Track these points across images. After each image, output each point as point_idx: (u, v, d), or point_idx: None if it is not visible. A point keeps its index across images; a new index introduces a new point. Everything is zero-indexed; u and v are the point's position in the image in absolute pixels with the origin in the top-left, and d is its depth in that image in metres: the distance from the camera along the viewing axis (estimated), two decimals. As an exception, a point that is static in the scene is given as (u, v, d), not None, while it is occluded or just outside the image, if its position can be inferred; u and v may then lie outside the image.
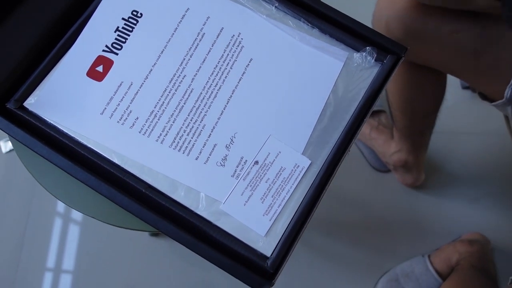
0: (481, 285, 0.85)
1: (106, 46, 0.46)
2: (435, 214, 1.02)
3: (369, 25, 0.54)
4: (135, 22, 0.47)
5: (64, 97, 0.44)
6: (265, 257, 0.40)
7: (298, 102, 0.45)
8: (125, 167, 0.42)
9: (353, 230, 1.01)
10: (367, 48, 0.46)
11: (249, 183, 0.42)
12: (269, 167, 0.43)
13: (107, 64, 0.45)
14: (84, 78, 0.45)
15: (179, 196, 0.42)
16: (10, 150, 1.03)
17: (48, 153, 0.41)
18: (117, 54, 0.45)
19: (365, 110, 0.44)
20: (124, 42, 0.46)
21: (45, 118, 0.44)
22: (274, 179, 0.42)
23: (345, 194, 1.03)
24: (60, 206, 1.02)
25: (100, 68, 0.45)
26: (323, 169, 0.43)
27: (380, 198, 1.03)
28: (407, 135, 0.88)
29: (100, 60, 0.45)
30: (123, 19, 0.47)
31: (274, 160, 0.43)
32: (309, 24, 0.48)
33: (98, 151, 0.43)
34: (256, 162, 0.43)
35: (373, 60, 0.46)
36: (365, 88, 0.45)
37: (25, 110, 0.44)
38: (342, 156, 0.43)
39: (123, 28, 0.46)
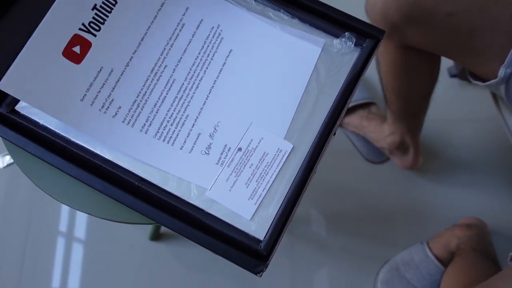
0: (484, 267, 0.86)
1: (83, 25, 0.43)
2: (431, 201, 1.03)
3: (358, 12, 0.55)
4: (113, 1, 0.45)
5: (38, 77, 0.41)
6: (258, 240, 0.41)
7: (279, 89, 0.46)
8: (117, 162, 0.43)
9: (351, 222, 1.01)
10: (346, 33, 0.48)
11: (233, 169, 0.43)
12: (252, 153, 0.44)
13: (85, 45, 0.43)
14: (59, 57, 0.42)
15: (171, 187, 0.43)
16: (8, 165, 1.04)
17: (41, 152, 0.43)
18: (95, 35, 0.44)
19: (347, 92, 0.46)
20: (102, 23, 0.44)
21: (37, 120, 0.45)
22: (257, 164, 0.43)
23: (341, 187, 1.04)
24: (63, 221, 1.02)
25: (77, 49, 0.43)
26: (310, 152, 0.44)
27: (375, 190, 1.04)
28: (401, 118, 0.88)
29: (77, 39, 0.43)
30: None
31: (257, 146, 0.44)
32: (289, 15, 0.49)
33: (90, 148, 0.44)
34: (240, 149, 0.44)
35: (352, 45, 0.48)
36: (346, 72, 0.47)
37: (17, 113, 0.45)
38: (328, 139, 0.44)
39: (101, 6, 0.44)
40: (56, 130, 0.44)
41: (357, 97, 1.05)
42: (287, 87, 0.46)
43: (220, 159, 0.44)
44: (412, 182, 1.05)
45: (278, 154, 0.44)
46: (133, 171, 0.43)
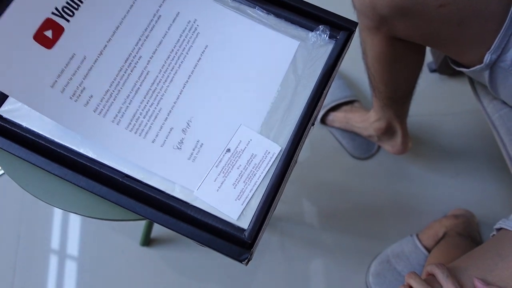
0: (468, 248, 0.87)
1: (56, 9, 0.42)
2: (419, 194, 1.05)
3: (335, 4, 0.55)
4: None
5: (6, 60, 0.40)
6: (242, 229, 0.42)
7: (255, 83, 0.47)
8: (101, 160, 0.44)
9: (342, 219, 1.03)
10: (320, 26, 0.49)
11: (221, 170, 0.44)
12: (240, 155, 0.44)
13: (57, 30, 0.42)
14: (30, 41, 0.41)
15: (156, 182, 0.44)
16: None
17: (25, 154, 0.43)
18: (68, 21, 0.43)
19: (324, 83, 0.47)
20: (76, 9, 0.43)
21: (19, 123, 0.45)
22: (245, 166, 0.44)
23: (329, 185, 1.06)
24: (55, 232, 1.02)
25: (49, 34, 0.41)
26: (290, 142, 0.45)
27: (363, 185, 1.06)
28: (389, 105, 0.89)
29: (48, 23, 0.41)
30: None
31: (245, 147, 0.45)
32: (264, 11, 0.50)
33: (73, 148, 0.44)
34: (228, 150, 0.45)
35: (327, 38, 0.49)
36: (322, 64, 0.48)
37: (0, 117, 0.46)
38: (306, 129, 0.45)
39: None
40: (39, 132, 0.45)
41: (340, 96, 1.06)
42: (264, 81, 0.47)
43: (192, 154, 0.44)
44: (399, 176, 1.06)
45: (266, 156, 0.44)
46: (117, 168, 0.44)
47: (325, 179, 1.07)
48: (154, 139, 0.44)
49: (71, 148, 0.44)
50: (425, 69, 1.13)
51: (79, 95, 0.42)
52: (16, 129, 0.45)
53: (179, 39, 0.47)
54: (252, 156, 0.44)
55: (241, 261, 0.41)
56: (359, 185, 1.06)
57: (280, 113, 0.46)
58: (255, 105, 0.46)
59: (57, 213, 1.02)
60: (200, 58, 0.47)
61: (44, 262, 0.99)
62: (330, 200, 1.04)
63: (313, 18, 0.50)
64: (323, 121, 1.08)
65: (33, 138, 0.45)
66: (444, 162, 1.08)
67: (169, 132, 0.44)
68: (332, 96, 1.07)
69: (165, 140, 0.44)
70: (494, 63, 0.62)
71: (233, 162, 0.44)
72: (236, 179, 0.43)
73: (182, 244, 0.98)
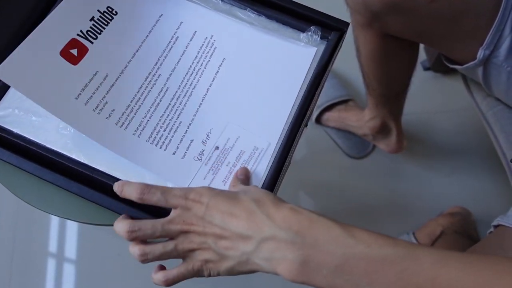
0: (465, 246, 0.87)
1: (81, 32, 0.46)
2: (415, 193, 1.05)
3: (328, 4, 0.54)
4: (110, 17, 0.48)
5: (35, 70, 0.43)
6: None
7: (272, 94, 0.48)
8: (93, 165, 0.44)
9: (338, 218, 1.01)
10: (312, 27, 0.49)
11: (211, 167, 0.44)
12: (229, 151, 0.45)
13: (82, 49, 0.46)
14: (57, 56, 0.44)
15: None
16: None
17: (16, 160, 0.43)
18: (92, 42, 0.46)
19: (316, 83, 0.47)
20: (99, 33, 0.47)
21: (10, 129, 0.45)
22: (234, 162, 0.45)
23: (324, 184, 1.06)
24: (52, 237, 1.02)
25: (74, 52, 0.45)
26: (283, 143, 0.45)
27: (359, 184, 1.06)
28: (383, 103, 0.89)
29: (74, 43, 0.45)
30: (98, 11, 0.48)
31: (234, 144, 0.45)
32: (256, 13, 0.50)
33: (65, 153, 0.44)
34: (217, 147, 0.45)
35: (319, 38, 0.49)
36: (314, 64, 0.48)
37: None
38: (299, 130, 0.45)
39: (98, 19, 0.47)
40: (31, 138, 0.45)
41: (334, 95, 1.06)
42: (280, 91, 0.48)
43: (213, 166, 0.45)
44: (395, 175, 1.06)
45: (255, 152, 0.45)
46: (110, 173, 0.44)
47: (321, 178, 1.07)
48: (175, 151, 0.45)
49: (63, 154, 0.44)
50: (419, 67, 1.13)
51: (102, 108, 0.44)
52: (7, 135, 0.45)
53: (196, 56, 0.49)
54: (241, 152, 0.45)
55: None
56: (355, 184, 1.06)
57: (272, 116, 0.46)
58: (272, 117, 0.47)
59: (54, 216, 1.02)
60: (218, 71, 0.49)
61: (41, 266, 0.98)
62: (326, 199, 1.04)
63: (304, 19, 0.50)
64: (318, 120, 1.08)
65: (24, 144, 0.44)
66: (440, 160, 1.08)
67: (189, 144, 0.45)
68: (326, 95, 1.07)
69: (185, 152, 0.45)
70: (487, 60, 0.62)
71: (222, 159, 0.45)
72: (226, 176, 0.44)
73: (178, 247, 0.98)
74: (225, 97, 0.47)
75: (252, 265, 0.35)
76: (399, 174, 1.06)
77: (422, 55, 1.14)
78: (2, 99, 0.47)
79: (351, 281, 0.31)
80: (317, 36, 0.49)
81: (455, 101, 1.12)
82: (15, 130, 0.45)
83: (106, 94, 0.45)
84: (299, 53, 0.49)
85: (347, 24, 0.49)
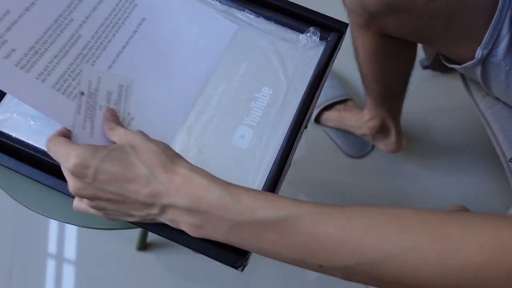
0: None
1: None
2: (414, 192, 1.05)
3: (325, 5, 0.55)
4: None
5: None
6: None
7: (189, 63, 0.46)
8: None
9: (337, 218, 1.02)
10: (311, 28, 0.49)
11: (85, 115, 0.42)
12: (96, 95, 0.43)
13: None
14: None
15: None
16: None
17: (15, 165, 0.43)
18: None
19: (316, 85, 0.47)
20: None
21: (9, 134, 0.45)
22: (106, 104, 0.43)
23: (324, 184, 1.06)
24: (51, 240, 1.01)
25: None
26: (283, 146, 0.44)
27: (359, 184, 1.06)
28: (382, 103, 0.89)
29: None
30: None
31: (98, 86, 0.43)
32: (254, 14, 0.50)
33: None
34: (82, 93, 0.43)
35: (318, 39, 0.49)
36: (313, 66, 0.48)
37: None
38: (299, 131, 0.45)
39: None
40: (29, 142, 0.44)
41: (333, 95, 1.06)
42: (197, 63, 0.46)
43: (86, 113, 0.43)
44: (394, 174, 1.06)
45: (122, 90, 0.44)
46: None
47: (320, 178, 1.07)
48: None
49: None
50: (417, 66, 1.13)
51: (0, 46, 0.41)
52: (5, 140, 0.45)
53: (115, 8, 0.46)
54: (108, 93, 0.44)
55: (236, 268, 0.40)
56: (354, 184, 1.06)
57: (272, 117, 0.46)
58: (185, 86, 0.45)
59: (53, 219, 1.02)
60: (136, 31, 0.47)
61: (41, 267, 0.98)
62: (325, 199, 1.04)
63: (303, 20, 0.50)
64: (317, 120, 1.08)
65: (23, 148, 0.44)
66: (439, 159, 1.08)
67: None
68: (325, 95, 1.06)
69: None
70: (485, 59, 0.62)
71: (93, 105, 0.43)
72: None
73: (178, 248, 0.97)
74: (141, 60, 0.45)
75: (159, 222, 0.39)
76: (398, 174, 1.06)
77: (420, 53, 1.14)
78: (0, 103, 0.46)
79: (244, 240, 0.36)
80: (316, 37, 0.49)
81: (454, 100, 1.12)
82: (13, 135, 0.45)
83: (5, 31, 0.41)
84: (221, 26, 0.48)
85: (346, 25, 0.49)
